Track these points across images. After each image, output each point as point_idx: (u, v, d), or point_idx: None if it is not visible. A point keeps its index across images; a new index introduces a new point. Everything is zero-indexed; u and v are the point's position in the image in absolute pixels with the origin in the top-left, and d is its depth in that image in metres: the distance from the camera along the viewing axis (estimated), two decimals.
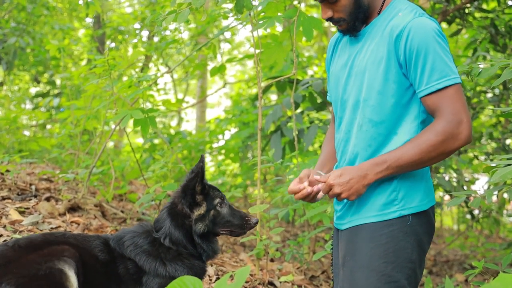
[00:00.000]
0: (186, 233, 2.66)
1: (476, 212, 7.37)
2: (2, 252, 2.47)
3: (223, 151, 8.96)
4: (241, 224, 2.74)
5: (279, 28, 8.88)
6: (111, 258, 2.60)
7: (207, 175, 9.99)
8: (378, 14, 2.57)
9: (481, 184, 8.16)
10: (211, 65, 9.97)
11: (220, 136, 9.20)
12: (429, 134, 2.35)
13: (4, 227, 4.02)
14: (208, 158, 10.22)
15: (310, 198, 2.56)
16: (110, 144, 11.01)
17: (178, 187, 2.80)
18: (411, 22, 2.41)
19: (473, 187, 7.43)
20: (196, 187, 2.65)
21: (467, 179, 7.33)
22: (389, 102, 2.48)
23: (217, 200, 2.71)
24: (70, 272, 2.43)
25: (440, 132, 2.33)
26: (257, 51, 4.29)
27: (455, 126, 2.33)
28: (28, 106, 12.67)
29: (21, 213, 4.45)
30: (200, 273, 2.69)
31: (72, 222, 4.56)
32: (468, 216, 8.12)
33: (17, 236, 3.85)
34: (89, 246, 2.59)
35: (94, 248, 2.59)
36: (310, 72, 8.53)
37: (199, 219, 2.66)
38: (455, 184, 6.36)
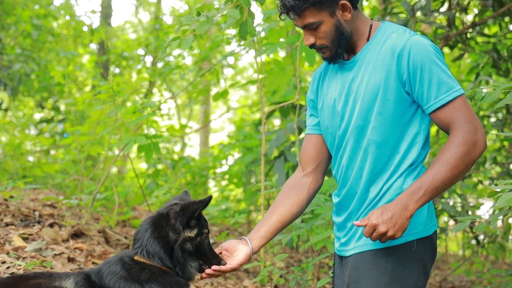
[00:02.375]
0: (165, 244, 2.63)
1: (481, 237, 7.32)
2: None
3: (226, 176, 8.96)
4: (212, 263, 2.69)
5: (281, 53, 8.93)
6: None
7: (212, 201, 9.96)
8: (367, 40, 2.59)
9: (485, 209, 8.13)
10: (214, 90, 10.01)
11: (223, 161, 9.19)
12: (453, 148, 2.35)
13: (7, 253, 4.01)
14: (211, 184, 10.21)
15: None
16: (114, 169, 11.01)
17: (173, 200, 2.80)
18: (409, 41, 2.45)
19: (477, 212, 7.39)
20: (196, 212, 2.65)
21: (471, 204, 7.30)
22: (391, 121, 2.50)
23: (206, 230, 2.71)
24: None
25: (462, 143, 2.34)
26: (260, 76, 4.31)
27: (473, 134, 2.35)
28: (33, 131, 12.72)
29: (25, 239, 4.44)
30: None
31: (75, 248, 4.54)
32: (473, 242, 8.06)
33: (20, 262, 3.84)
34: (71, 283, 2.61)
35: (77, 284, 2.58)
36: None
37: (188, 239, 2.64)
38: (459, 209, 6.33)
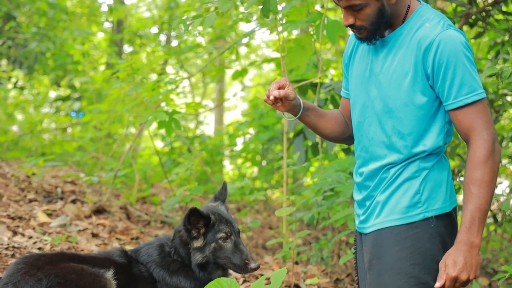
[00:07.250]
0: (187, 251, 2.91)
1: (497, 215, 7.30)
2: (38, 256, 2.74)
3: (242, 154, 8.98)
4: (239, 265, 2.84)
5: (295, 32, 8.88)
6: (127, 261, 2.94)
7: (225, 177, 10.00)
8: (403, 22, 2.55)
9: (502, 187, 8.11)
10: (230, 69, 9.97)
11: (240, 139, 9.20)
12: (481, 164, 2.38)
13: (33, 229, 4.08)
14: (227, 161, 10.24)
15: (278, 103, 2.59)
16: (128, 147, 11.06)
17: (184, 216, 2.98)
18: (440, 35, 2.41)
19: (495, 191, 7.37)
20: (185, 225, 2.85)
21: None
22: (417, 114, 2.50)
23: (221, 235, 2.86)
24: (111, 278, 2.74)
25: (486, 155, 2.37)
26: (283, 54, 4.31)
27: (491, 142, 2.38)
28: (48, 109, 12.78)
29: (49, 215, 4.51)
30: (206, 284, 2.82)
31: (98, 224, 4.61)
32: (490, 220, 8.05)
33: (46, 237, 3.91)
34: (109, 253, 2.98)
35: (113, 255, 2.95)
36: (329, 76, 8.51)
37: (197, 249, 2.86)
38: None
